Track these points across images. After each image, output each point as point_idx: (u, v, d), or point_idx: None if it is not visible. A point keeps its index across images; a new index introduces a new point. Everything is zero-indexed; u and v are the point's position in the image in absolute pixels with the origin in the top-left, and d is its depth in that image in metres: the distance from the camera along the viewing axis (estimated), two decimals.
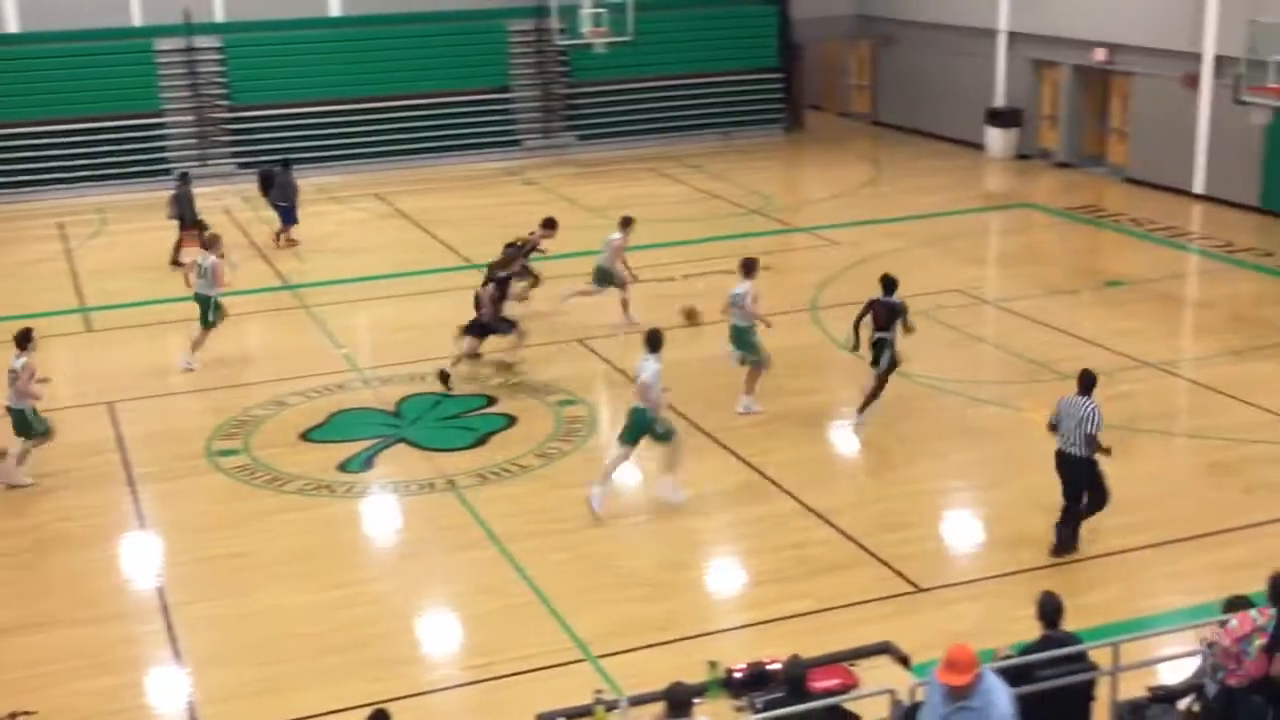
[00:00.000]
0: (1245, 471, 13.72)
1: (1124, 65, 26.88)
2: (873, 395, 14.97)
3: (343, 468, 14.54)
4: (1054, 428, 12.02)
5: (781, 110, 33.83)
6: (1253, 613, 8.40)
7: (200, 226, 22.50)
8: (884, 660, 9.36)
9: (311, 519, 13.46)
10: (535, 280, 19.58)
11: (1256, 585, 9.47)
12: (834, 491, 13.65)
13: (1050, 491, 13.45)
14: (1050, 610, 8.61)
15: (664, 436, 13.33)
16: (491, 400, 16.33)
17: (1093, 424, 11.63)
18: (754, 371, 15.58)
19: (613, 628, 11.13)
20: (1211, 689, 8.66)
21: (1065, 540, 12.10)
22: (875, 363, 14.91)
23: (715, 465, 14.38)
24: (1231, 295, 20.17)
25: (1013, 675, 8.35)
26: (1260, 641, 8.26)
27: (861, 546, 12.42)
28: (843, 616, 11.18)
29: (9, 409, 13.98)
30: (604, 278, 18.98)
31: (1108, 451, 11.84)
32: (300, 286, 21.29)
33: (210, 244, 18.04)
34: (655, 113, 32.76)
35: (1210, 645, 8.44)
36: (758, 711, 8.25)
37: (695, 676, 9.00)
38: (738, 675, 8.93)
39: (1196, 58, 24.75)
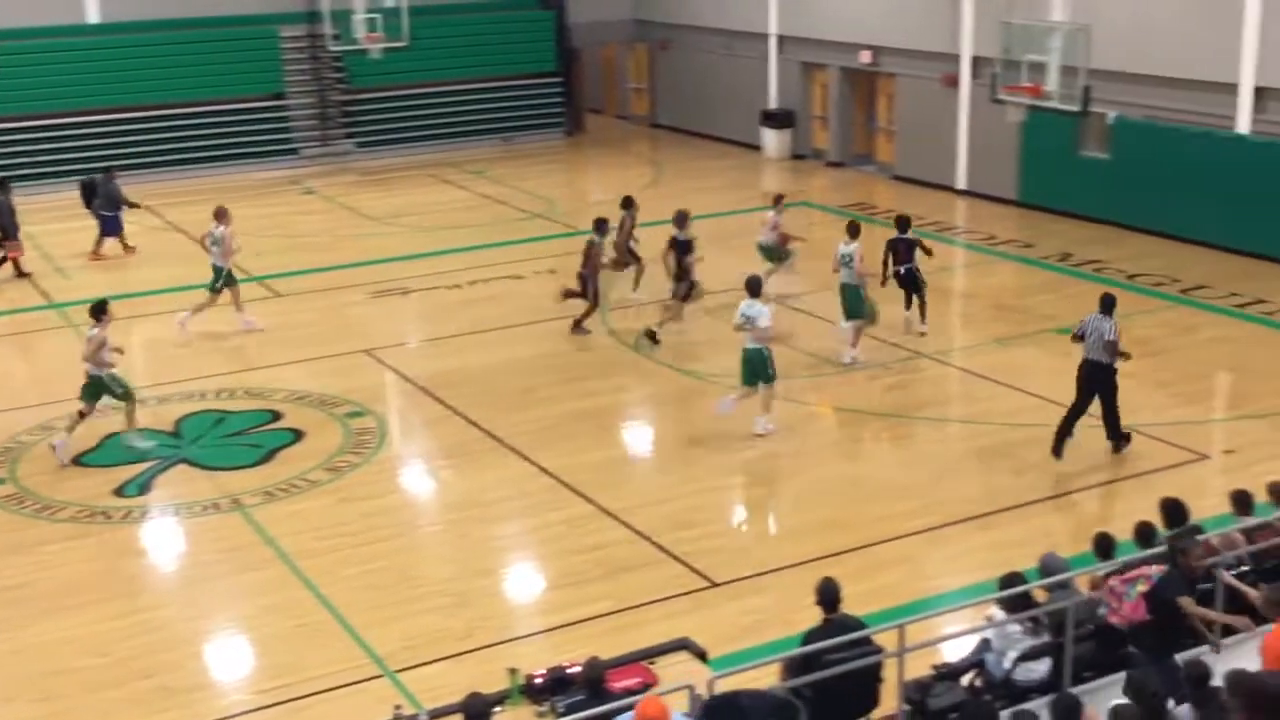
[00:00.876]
0: (1014, 454, 14.38)
1: (888, 67, 27.89)
2: (924, 305, 18.02)
3: (119, 492, 13.94)
4: (1079, 338, 13.88)
5: (561, 114, 33.96)
6: (1153, 568, 8.82)
7: (7, 235, 21.66)
8: (683, 656, 9.50)
9: (87, 547, 12.85)
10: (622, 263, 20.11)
11: (1029, 562, 10.00)
12: (627, 492, 13.76)
13: (836, 482, 13.92)
14: (829, 595, 8.89)
15: (771, 377, 14.82)
16: (277, 415, 15.90)
17: (1113, 333, 13.54)
18: (859, 327, 17.17)
19: (410, 640, 10.97)
20: (991, 661, 9.08)
21: (1061, 436, 13.92)
22: (910, 289, 17.86)
23: (510, 470, 14.34)
24: (996, 286, 21.16)
25: (800, 664, 8.58)
26: (1143, 587, 8.69)
27: (657, 545, 12.55)
28: (642, 615, 11.27)
29: (88, 375, 14.78)
30: (772, 254, 19.89)
31: (1128, 356, 13.74)
32: (65, 305, 20.32)
33: (220, 215, 18.73)
34: (435, 118, 32.47)
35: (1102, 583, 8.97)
36: (559, 715, 8.27)
37: (496, 685, 8.97)
38: (538, 681, 8.93)
39: (955, 58, 25.87)
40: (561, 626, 11.20)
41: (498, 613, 11.69)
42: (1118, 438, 14.00)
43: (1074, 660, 8.78)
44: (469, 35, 32.71)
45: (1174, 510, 10.03)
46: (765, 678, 8.76)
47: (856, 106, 29.61)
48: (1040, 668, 8.96)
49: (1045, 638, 9.02)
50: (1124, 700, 7.32)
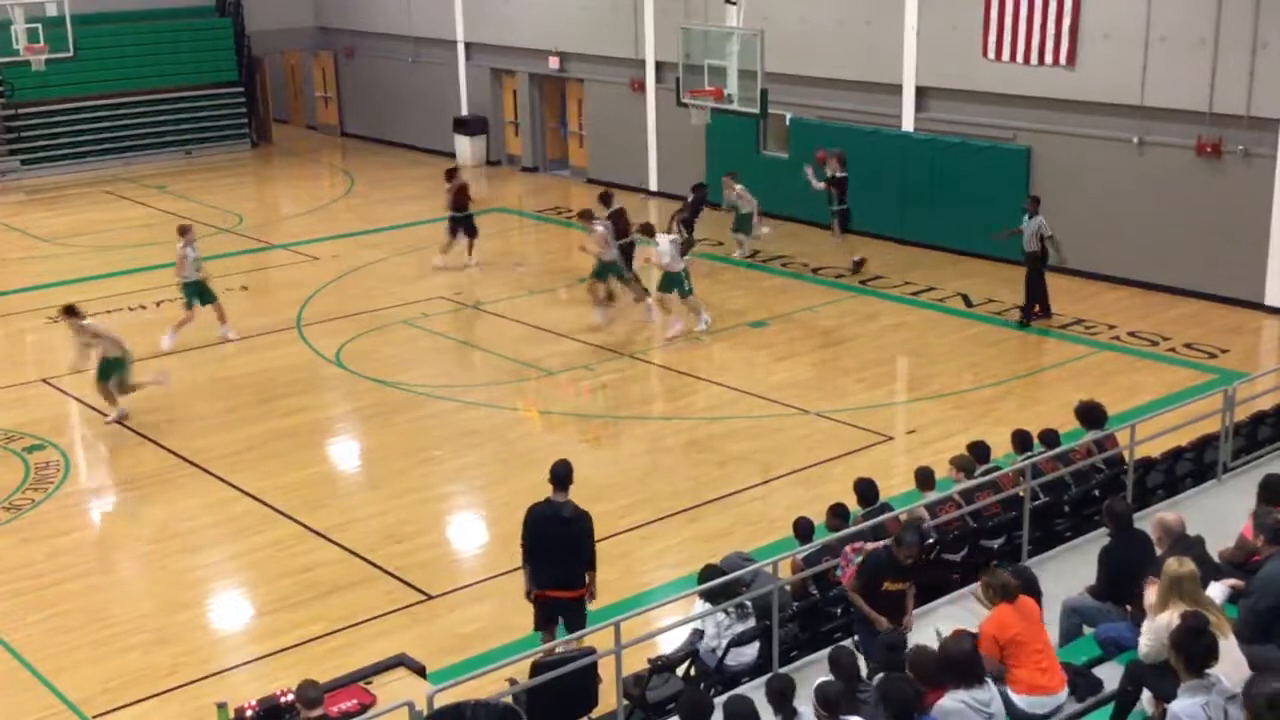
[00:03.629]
0: (717, 447, 14.83)
1: (576, 72, 28.27)
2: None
3: None
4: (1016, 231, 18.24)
5: (246, 125, 32.88)
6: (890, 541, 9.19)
7: None
8: (401, 673, 9.36)
9: None
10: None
11: (734, 550, 10.34)
12: (335, 509, 13.46)
13: (546, 485, 13.97)
14: (560, 474, 9.47)
15: (689, 291, 17.95)
16: None
17: (1049, 229, 17.98)
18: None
19: (108, 684, 10.41)
20: (704, 650, 9.33)
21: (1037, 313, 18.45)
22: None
23: (210, 496, 13.79)
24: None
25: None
26: (858, 558, 9.06)
27: (369, 561, 12.33)
28: (357, 635, 11.06)
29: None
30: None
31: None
32: None
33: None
34: (108, 132, 30.90)
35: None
36: None
37: None
38: (249, 713, 8.62)
39: (640, 63, 26.45)
40: (274, 654, 10.87)
41: (203, 645, 11.22)
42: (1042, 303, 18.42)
43: (780, 642, 9.13)
44: (142, 44, 31.30)
45: (866, 490, 10.56)
46: (489, 686, 8.73)
47: (548, 111, 29.88)
48: (749, 652, 9.27)
49: (752, 623, 9.34)
50: (828, 676, 7.67)
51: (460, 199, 21.54)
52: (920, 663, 7.45)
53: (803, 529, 10.16)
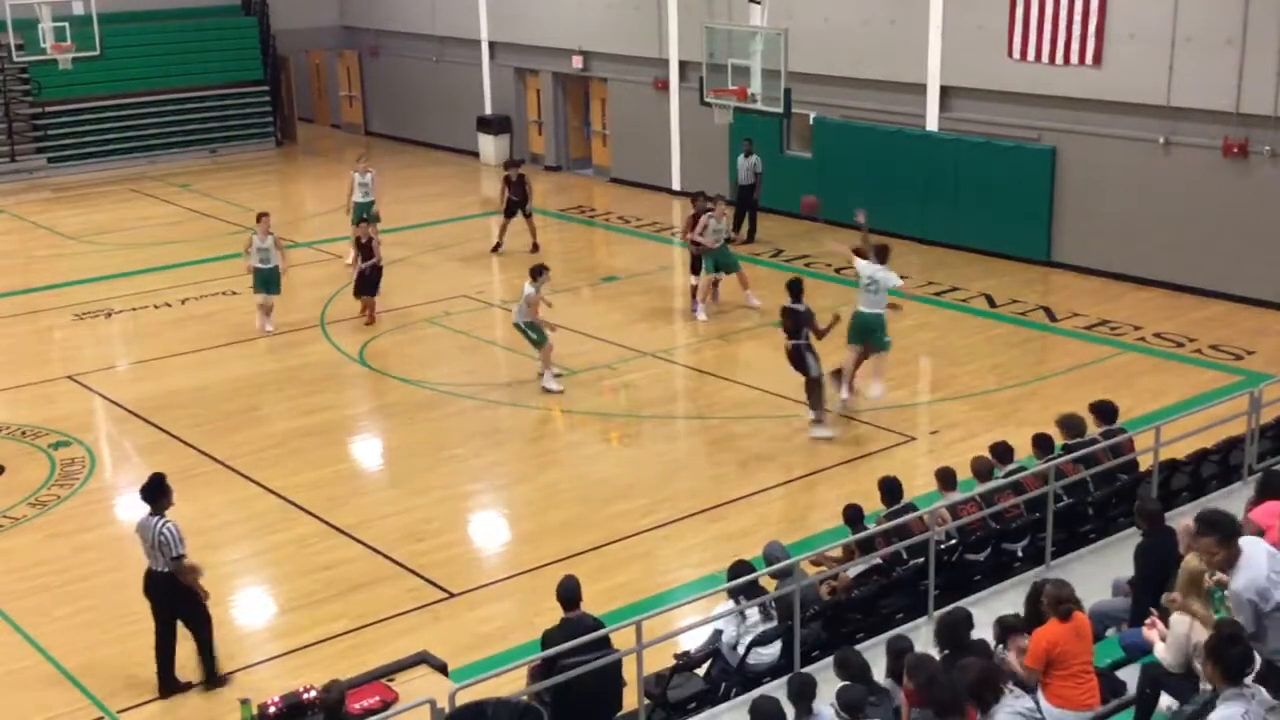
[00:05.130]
0: (739, 446, 14.81)
1: (599, 72, 28.28)
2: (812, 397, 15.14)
3: None
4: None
5: (271, 123, 33.02)
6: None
7: None
8: (423, 670, 9.39)
9: None
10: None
11: (755, 550, 10.33)
12: (358, 507, 13.50)
13: (569, 484, 14.01)
14: (568, 594, 8.97)
15: (887, 344, 15.32)
16: None
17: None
18: None
19: (132, 679, 10.46)
20: (726, 649, 9.31)
21: None
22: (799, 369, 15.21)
23: (234, 493, 13.85)
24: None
25: (542, 668, 8.62)
26: None
27: (391, 559, 12.37)
28: (379, 632, 11.10)
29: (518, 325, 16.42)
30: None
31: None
32: None
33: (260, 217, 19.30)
34: (134, 130, 31.08)
35: None
36: None
37: (228, 717, 8.65)
38: (272, 710, 8.66)
39: (664, 63, 26.44)
40: (296, 650, 10.91)
41: (227, 641, 11.23)
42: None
43: (801, 641, 9.11)
44: (168, 43, 31.47)
45: (891, 488, 10.53)
46: (510, 684, 8.75)
47: (571, 111, 29.89)
48: (771, 651, 9.25)
49: (774, 622, 9.33)
50: (844, 681, 7.67)
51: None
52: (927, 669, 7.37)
53: (853, 516, 10.37)
